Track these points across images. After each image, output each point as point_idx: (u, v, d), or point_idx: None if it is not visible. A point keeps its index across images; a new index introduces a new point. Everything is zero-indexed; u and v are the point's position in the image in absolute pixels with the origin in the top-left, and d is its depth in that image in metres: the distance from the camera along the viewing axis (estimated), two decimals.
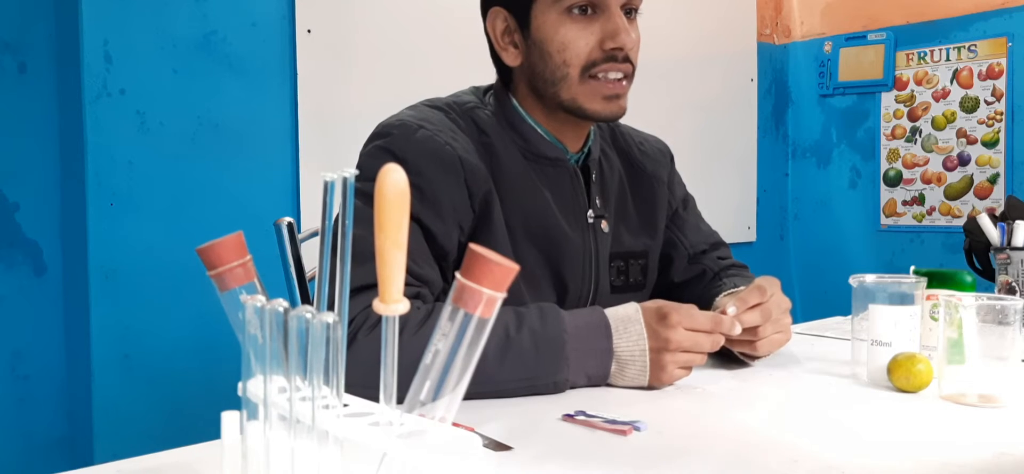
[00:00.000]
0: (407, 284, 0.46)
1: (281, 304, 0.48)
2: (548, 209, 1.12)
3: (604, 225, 1.19)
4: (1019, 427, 0.84)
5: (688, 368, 1.00)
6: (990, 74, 2.95)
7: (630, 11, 1.11)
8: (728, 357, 1.10)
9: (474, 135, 1.10)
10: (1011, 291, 1.30)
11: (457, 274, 0.47)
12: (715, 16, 3.14)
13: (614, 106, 1.11)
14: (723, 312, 1.03)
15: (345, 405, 0.50)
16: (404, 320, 0.80)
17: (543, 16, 1.09)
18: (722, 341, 1.03)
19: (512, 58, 1.13)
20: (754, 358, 1.11)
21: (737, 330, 1.02)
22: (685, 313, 0.99)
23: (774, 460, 0.74)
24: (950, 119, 3.05)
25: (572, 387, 0.98)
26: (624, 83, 1.11)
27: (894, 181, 3.20)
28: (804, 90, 3.45)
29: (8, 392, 1.76)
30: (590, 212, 1.17)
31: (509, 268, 0.46)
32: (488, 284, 0.46)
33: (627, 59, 1.10)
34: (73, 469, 0.72)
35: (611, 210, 1.22)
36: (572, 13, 1.08)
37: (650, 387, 0.99)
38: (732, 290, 1.17)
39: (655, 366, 0.98)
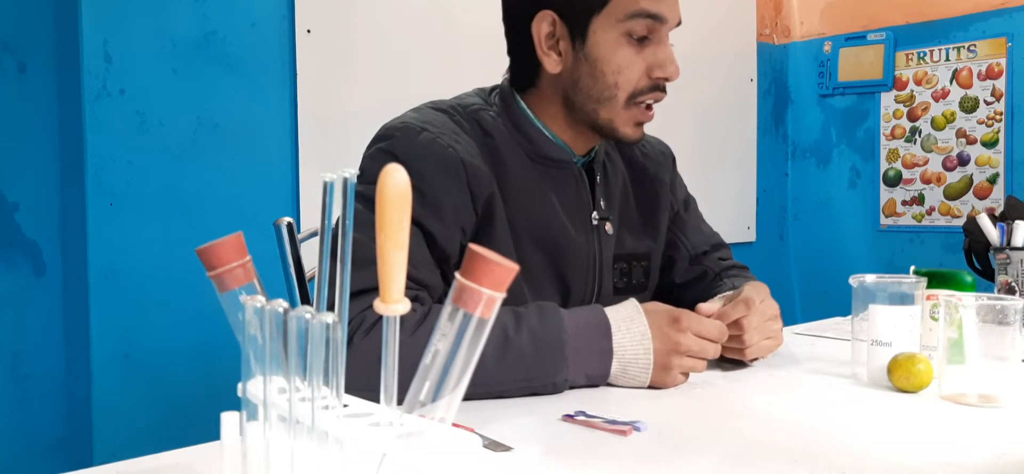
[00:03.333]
0: (405, 287, 0.46)
1: (281, 305, 0.48)
2: (553, 211, 1.12)
3: (608, 227, 1.19)
4: (1019, 427, 0.84)
5: (687, 374, 1.01)
6: (990, 74, 2.95)
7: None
8: (728, 358, 1.10)
9: (478, 137, 1.10)
10: (1011, 291, 1.30)
11: (457, 274, 0.47)
12: (715, 16, 3.14)
13: (640, 131, 1.13)
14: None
15: (345, 406, 0.50)
16: (400, 322, 0.81)
17: (603, 33, 1.07)
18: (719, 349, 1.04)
19: (553, 64, 1.10)
20: (753, 359, 1.12)
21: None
22: (695, 319, 1.00)
23: (774, 460, 0.74)
24: (950, 119, 3.05)
25: (572, 387, 0.98)
26: (653, 113, 1.13)
27: (894, 181, 3.20)
28: (804, 90, 3.45)
29: (8, 392, 1.76)
30: (594, 214, 1.17)
31: (509, 268, 0.46)
32: (488, 284, 0.46)
33: (665, 88, 1.11)
34: (73, 469, 0.72)
35: (615, 212, 1.22)
36: (631, 37, 1.07)
37: (651, 387, 0.99)
38: (724, 294, 1.17)
39: (660, 368, 0.98)
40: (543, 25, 1.09)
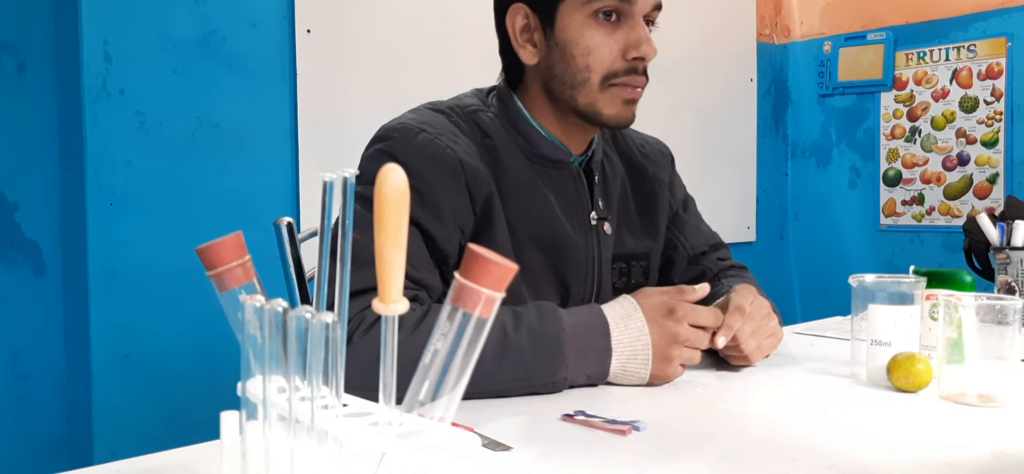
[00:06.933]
0: (404, 287, 0.46)
1: (280, 304, 0.48)
2: (551, 211, 1.12)
3: (607, 227, 1.19)
4: (1018, 427, 0.84)
5: (685, 365, 1.01)
6: (989, 74, 2.95)
7: (648, 23, 1.12)
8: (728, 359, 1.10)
9: (476, 138, 1.10)
10: (1010, 291, 1.30)
11: (456, 274, 0.47)
12: (715, 16, 3.14)
13: (628, 113, 1.12)
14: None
15: (344, 405, 0.50)
16: (400, 321, 0.81)
17: (569, 17, 1.08)
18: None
19: (529, 56, 1.12)
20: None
21: (720, 343, 1.02)
22: (690, 310, 1.00)
23: (774, 460, 0.74)
24: (949, 119, 3.05)
25: (571, 386, 0.98)
26: (639, 92, 1.11)
27: (894, 181, 3.20)
28: (804, 90, 3.45)
29: (8, 392, 1.76)
30: (593, 214, 1.17)
31: (508, 268, 0.46)
32: (487, 284, 0.46)
33: (645, 71, 1.10)
34: (73, 469, 0.72)
35: (614, 212, 1.22)
36: (598, 18, 1.07)
37: (651, 383, 0.99)
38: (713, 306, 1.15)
39: (661, 359, 0.98)
40: (517, 18, 1.12)
